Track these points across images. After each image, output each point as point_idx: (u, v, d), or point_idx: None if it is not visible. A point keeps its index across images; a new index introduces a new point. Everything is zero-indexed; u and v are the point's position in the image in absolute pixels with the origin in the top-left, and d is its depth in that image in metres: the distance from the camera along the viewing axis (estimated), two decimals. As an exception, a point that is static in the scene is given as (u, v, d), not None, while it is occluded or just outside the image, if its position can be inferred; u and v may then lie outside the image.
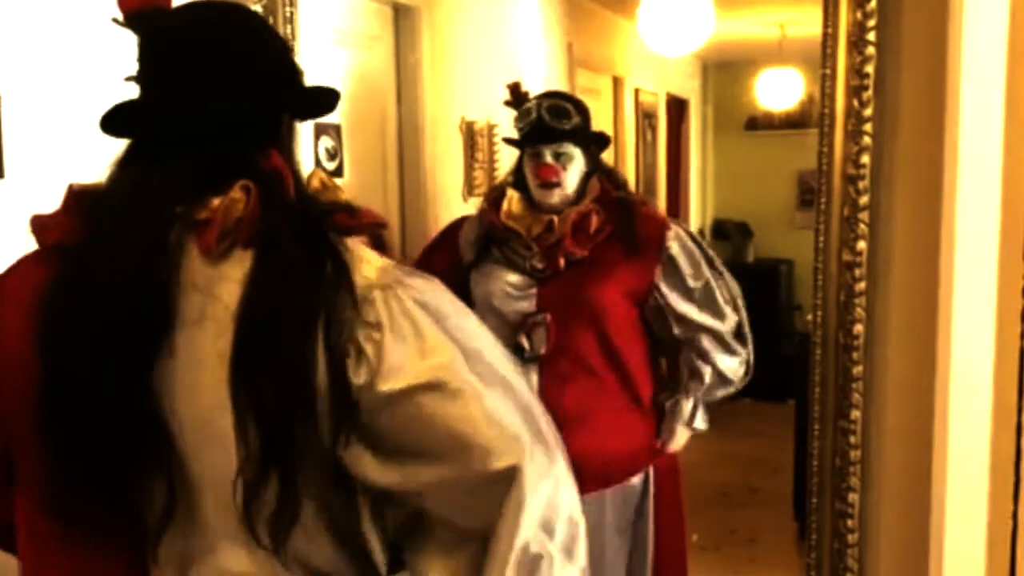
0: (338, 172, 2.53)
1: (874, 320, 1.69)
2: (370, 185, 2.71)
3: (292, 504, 1.01)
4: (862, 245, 1.68)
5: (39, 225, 1.11)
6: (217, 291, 1.02)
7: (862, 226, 1.67)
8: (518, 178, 2.29)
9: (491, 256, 2.25)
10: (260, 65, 1.11)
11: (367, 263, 1.06)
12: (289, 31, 1.97)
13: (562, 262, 2.17)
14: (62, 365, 1.02)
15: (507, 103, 2.33)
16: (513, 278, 2.20)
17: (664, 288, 2.20)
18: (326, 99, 1.18)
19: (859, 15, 1.64)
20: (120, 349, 1.01)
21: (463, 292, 2.25)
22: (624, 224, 2.19)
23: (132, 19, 1.09)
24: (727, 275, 2.27)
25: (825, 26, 1.69)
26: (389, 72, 2.78)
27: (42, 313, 1.04)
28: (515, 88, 2.33)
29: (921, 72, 1.64)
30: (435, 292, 1.08)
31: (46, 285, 1.05)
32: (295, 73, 1.15)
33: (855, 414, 1.71)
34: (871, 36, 1.63)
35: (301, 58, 2.00)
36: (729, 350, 2.23)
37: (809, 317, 1.85)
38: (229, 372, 0.99)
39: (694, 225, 6.54)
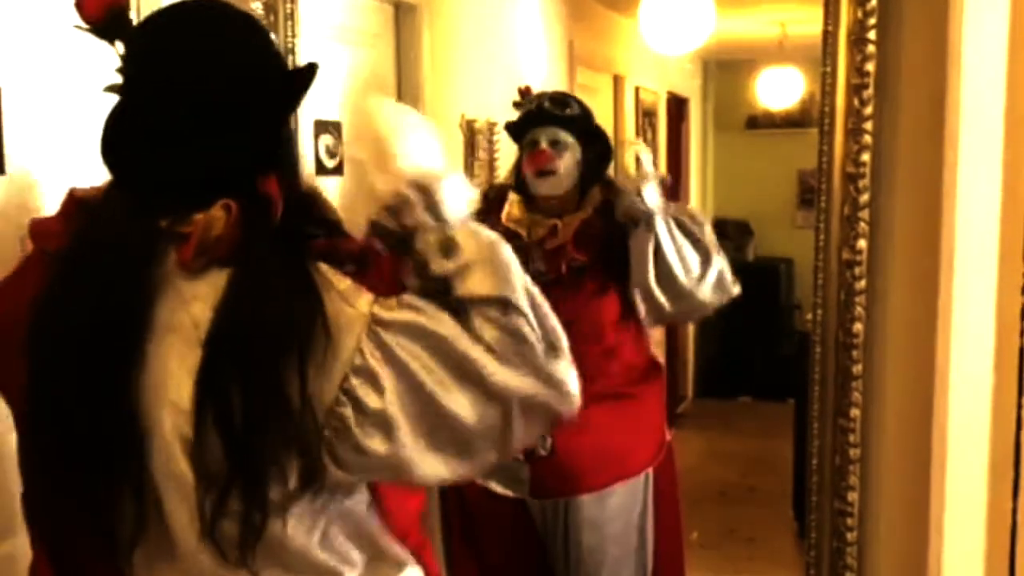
0: (338, 170, 2.53)
1: (874, 319, 1.69)
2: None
3: (257, 520, 1.00)
4: (862, 244, 1.68)
5: (37, 231, 1.11)
6: (189, 308, 1.02)
7: (862, 224, 1.67)
8: (518, 179, 2.30)
9: None
10: (242, 76, 1.07)
11: (344, 298, 1.04)
12: (289, 28, 1.97)
13: (564, 267, 2.17)
14: (42, 372, 1.03)
15: (516, 104, 2.34)
16: None
17: None
18: (306, 80, 1.13)
19: (860, 13, 1.63)
20: (96, 358, 1.01)
21: None
22: (620, 234, 2.20)
23: (100, 28, 1.08)
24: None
25: (826, 24, 1.69)
26: (390, 70, 2.78)
27: (29, 323, 1.04)
28: (526, 91, 2.35)
29: (922, 70, 1.64)
30: (413, 331, 1.04)
31: (39, 293, 1.05)
32: (276, 70, 1.12)
33: (855, 413, 1.71)
34: (872, 35, 1.63)
35: (297, 55, 2.00)
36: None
37: (809, 316, 1.85)
38: (195, 390, 0.99)
39: (694, 224, 6.54)
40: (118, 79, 1.08)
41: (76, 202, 1.11)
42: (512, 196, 2.27)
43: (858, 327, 1.69)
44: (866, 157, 1.66)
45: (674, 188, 6.04)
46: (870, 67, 1.64)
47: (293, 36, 1.98)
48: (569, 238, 2.19)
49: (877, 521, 1.73)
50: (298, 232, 1.08)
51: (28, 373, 1.04)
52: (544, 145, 2.22)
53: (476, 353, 1.03)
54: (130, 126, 1.07)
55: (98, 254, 1.04)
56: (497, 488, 2.24)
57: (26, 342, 1.04)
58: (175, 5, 1.11)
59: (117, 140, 1.07)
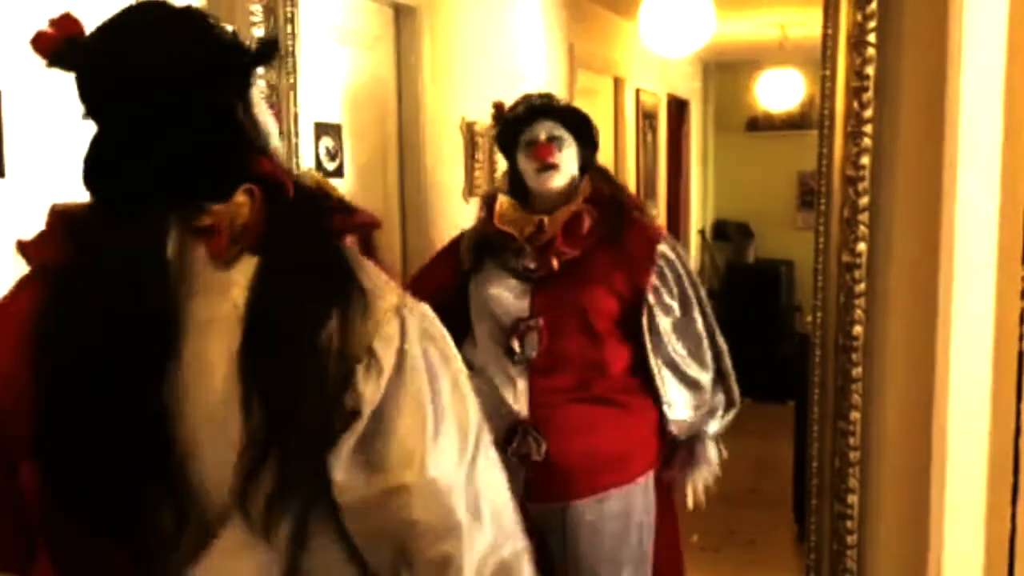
0: (338, 172, 2.53)
1: (874, 321, 1.70)
2: (370, 185, 2.72)
3: (290, 490, 1.00)
4: (862, 247, 1.68)
5: (24, 248, 1.10)
6: (227, 295, 1.02)
7: (862, 227, 1.68)
8: (511, 184, 2.30)
9: (487, 262, 2.26)
10: (195, 72, 1.08)
11: (377, 274, 1.08)
12: (289, 30, 1.97)
13: (555, 263, 2.16)
14: (62, 390, 1.01)
15: (496, 118, 2.35)
16: (508, 282, 2.21)
17: (652, 299, 2.21)
18: (267, 52, 1.15)
19: (859, 16, 1.64)
20: (123, 370, 1.00)
21: (463, 300, 2.26)
22: (616, 226, 2.20)
23: (56, 58, 1.08)
24: (708, 309, 2.29)
25: (825, 27, 1.69)
26: (390, 72, 2.78)
27: (37, 337, 1.03)
28: (499, 106, 2.35)
29: (921, 73, 1.64)
30: (432, 325, 1.10)
31: (36, 307, 1.04)
32: (228, 56, 1.12)
33: (854, 415, 1.71)
34: (871, 37, 1.63)
35: (298, 57, 2.00)
36: (697, 391, 2.27)
37: (809, 318, 1.85)
38: (238, 366, 1.00)
39: (695, 226, 6.56)
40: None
41: (59, 215, 1.10)
42: (501, 198, 2.26)
43: (858, 330, 1.69)
44: (866, 160, 1.66)
45: (674, 192, 6.06)
46: (870, 70, 1.64)
47: (293, 38, 1.98)
48: (557, 232, 2.19)
49: (877, 524, 1.74)
50: (315, 209, 1.10)
51: (39, 393, 1.02)
52: (543, 138, 2.22)
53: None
54: (105, 143, 1.09)
55: (107, 259, 1.04)
56: None
57: (35, 362, 1.02)
58: (120, 16, 1.12)
59: (98, 159, 1.09)
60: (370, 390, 1.02)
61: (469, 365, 2.26)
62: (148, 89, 1.06)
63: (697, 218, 6.58)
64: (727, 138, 6.94)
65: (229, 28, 1.17)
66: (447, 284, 2.27)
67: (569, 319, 2.17)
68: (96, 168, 1.10)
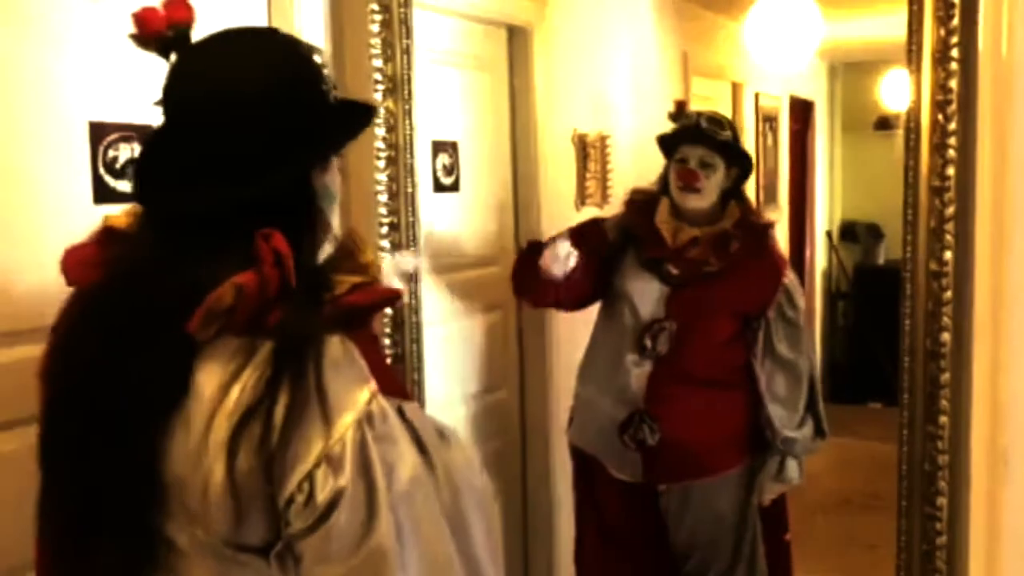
0: (455, 186, 2.69)
1: (960, 328, 1.73)
2: (485, 197, 2.86)
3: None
4: (948, 255, 1.72)
5: (73, 264, 1.08)
6: (196, 376, 0.98)
7: (948, 237, 1.71)
8: (664, 187, 2.46)
9: (628, 255, 2.45)
10: (283, 131, 1.01)
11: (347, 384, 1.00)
12: (405, 61, 2.11)
13: (698, 272, 2.35)
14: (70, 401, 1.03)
15: (672, 116, 2.50)
16: (649, 283, 2.39)
17: (772, 315, 2.38)
18: (356, 122, 1.09)
19: (943, 31, 1.68)
20: (133, 416, 0.99)
21: (602, 281, 2.45)
22: (755, 249, 2.38)
23: (156, 44, 1.02)
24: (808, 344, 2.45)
25: (910, 43, 1.74)
26: (503, 89, 2.92)
27: (52, 348, 1.05)
28: (681, 105, 2.51)
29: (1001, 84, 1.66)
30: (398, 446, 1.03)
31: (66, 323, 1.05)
32: (322, 119, 1.05)
33: (943, 420, 1.75)
34: (955, 52, 1.67)
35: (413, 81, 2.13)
36: (792, 408, 2.39)
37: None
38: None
39: (821, 228, 6.44)
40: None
41: (109, 232, 1.08)
42: (664, 200, 2.44)
43: (945, 336, 1.73)
44: (951, 171, 1.70)
45: (799, 194, 5.99)
46: (953, 84, 1.68)
47: (408, 68, 2.12)
48: (707, 246, 2.36)
49: (965, 526, 1.76)
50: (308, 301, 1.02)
51: (51, 395, 1.04)
52: (693, 165, 2.39)
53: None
54: (161, 154, 1.04)
55: (134, 310, 1.00)
56: (615, 473, 2.45)
57: (48, 374, 1.05)
58: (229, 31, 1.06)
59: (150, 167, 1.06)
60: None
61: (593, 340, 2.47)
62: (234, 120, 1.00)
63: (824, 219, 6.47)
64: (855, 137, 6.79)
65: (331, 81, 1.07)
66: (600, 245, 2.44)
67: (698, 322, 2.37)
68: (150, 171, 1.05)
